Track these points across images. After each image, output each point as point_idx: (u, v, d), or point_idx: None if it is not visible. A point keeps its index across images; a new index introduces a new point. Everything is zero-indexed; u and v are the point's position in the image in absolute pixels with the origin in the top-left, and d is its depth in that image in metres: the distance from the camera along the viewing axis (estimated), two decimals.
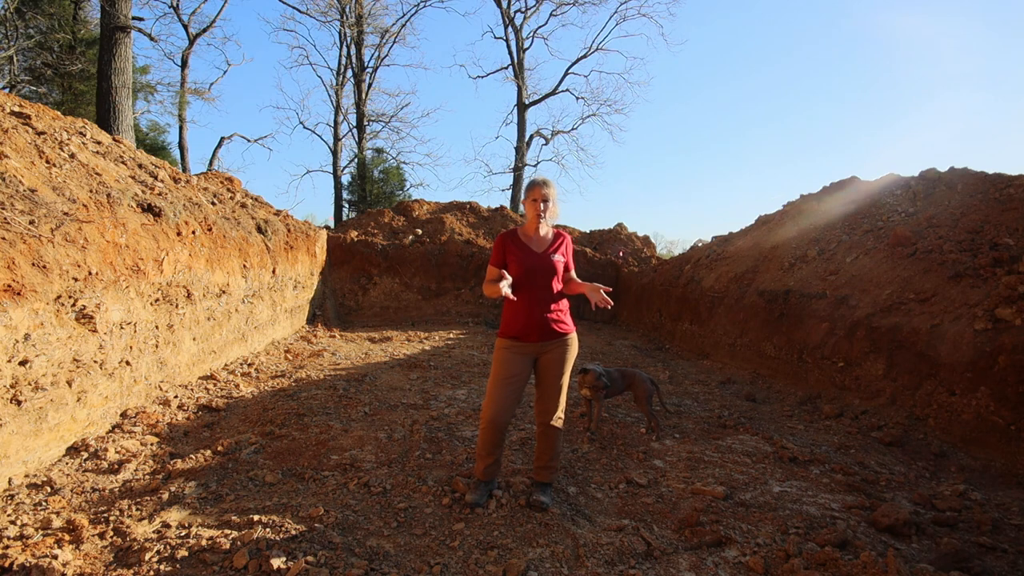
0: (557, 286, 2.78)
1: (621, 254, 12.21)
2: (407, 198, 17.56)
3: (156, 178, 5.13)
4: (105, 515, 2.48)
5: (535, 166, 21.53)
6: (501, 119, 35.08)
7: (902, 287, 4.93)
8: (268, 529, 2.37)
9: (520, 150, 20.44)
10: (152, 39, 14.99)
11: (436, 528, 2.55)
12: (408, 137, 28.49)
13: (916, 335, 4.38)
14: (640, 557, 2.38)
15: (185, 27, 16.95)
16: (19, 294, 2.73)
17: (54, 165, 3.71)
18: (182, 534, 2.32)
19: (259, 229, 6.69)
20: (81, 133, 4.69)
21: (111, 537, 2.29)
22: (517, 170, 20.47)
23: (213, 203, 6.03)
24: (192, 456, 3.19)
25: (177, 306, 4.44)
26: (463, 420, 4.19)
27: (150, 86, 16.36)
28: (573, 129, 21.68)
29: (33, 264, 2.90)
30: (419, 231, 11.57)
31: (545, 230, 2.84)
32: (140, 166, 5.16)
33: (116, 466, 3.00)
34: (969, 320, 4.07)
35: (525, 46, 20.52)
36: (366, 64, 19.94)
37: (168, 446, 3.37)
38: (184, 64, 17.06)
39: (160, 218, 4.37)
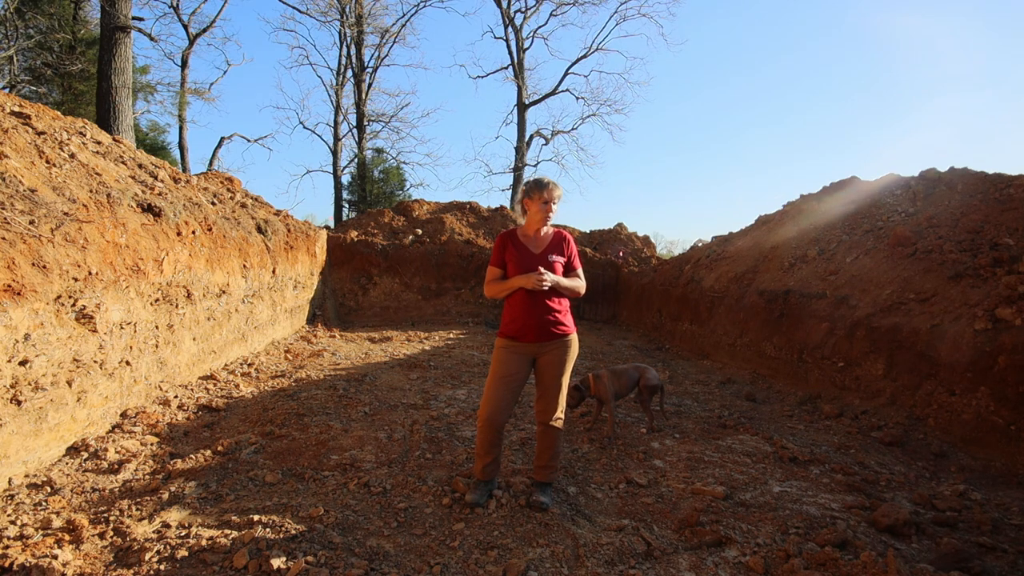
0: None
1: (621, 254, 12.21)
2: (407, 198, 17.57)
3: (156, 178, 5.13)
4: (105, 515, 2.48)
5: (535, 166, 21.56)
6: (501, 119, 35.12)
7: (902, 287, 4.93)
8: (268, 529, 2.37)
9: (520, 150, 20.45)
10: (152, 39, 15.01)
11: (436, 528, 2.55)
12: (408, 137, 28.53)
13: (916, 335, 4.38)
14: (640, 557, 2.38)
15: (185, 27, 16.96)
16: (19, 294, 2.73)
17: (54, 165, 3.71)
18: (182, 534, 2.32)
19: (259, 229, 6.69)
20: (81, 133, 4.69)
21: (111, 537, 2.29)
22: (517, 170, 20.48)
23: (213, 203, 6.04)
24: (192, 456, 3.19)
25: (177, 306, 4.44)
26: (463, 420, 4.19)
27: (150, 86, 16.37)
28: (573, 129, 21.73)
29: (33, 264, 2.90)
30: (419, 231, 11.57)
31: (545, 230, 2.83)
32: (140, 166, 5.16)
33: (116, 466, 3.00)
34: (969, 320, 4.07)
35: (525, 46, 20.54)
36: (366, 64, 19.95)
37: (168, 446, 3.37)
38: (184, 64, 17.07)
39: (160, 218, 4.37)
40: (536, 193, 2.71)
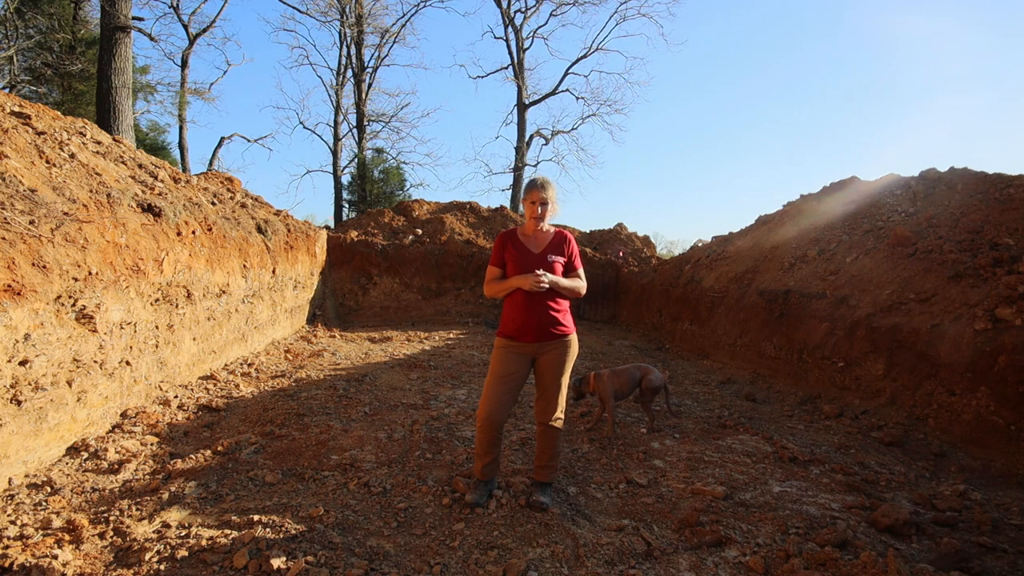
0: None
1: (621, 254, 12.21)
2: (407, 198, 17.56)
3: (156, 178, 5.13)
4: (105, 515, 2.48)
5: (535, 166, 21.56)
6: (501, 119, 35.16)
7: (902, 287, 4.93)
8: (268, 529, 2.37)
9: (520, 150, 20.44)
10: (152, 39, 15.03)
11: (436, 528, 2.55)
12: (408, 137, 28.54)
13: (916, 335, 4.38)
14: (640, 557, 2.38)
15: (185, 27, 16.95)
16: (19, 294, 2.73)
17: (54, 165, 3.71)
18: (182, 534, 2.32)
19: (259, 229, 6.69)
20: (81, 133, 4.69)
21: (111, 537, 2.29)
22: (517, 170, 20.47)
23: (213, 203, 6.04)
24: (192, 456, 3.19)
25: (177, 306, 4.44)
26: (463, 420, 4.19)
27: (150, 86, 16.36)
28: (573, 129, 21.71)
29: (33, 264, 2.90)
30: (419, 231, 11.57)
31: (545, 229, 2.83)
32: (140, 166, 5.16)
33: (116, 466, 3.00)
34: (969, 320, 4.07)
35: (525, 46, 20.53)
36: (366, 64, 19.94)
37: (168, 446, 3.37)
38: (184, 64, 17.06)
39: (160, 218, 4.37)
40: (526, 193, 2.75)
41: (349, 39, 19.48)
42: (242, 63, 31.40)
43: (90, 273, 3.31)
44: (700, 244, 10.82)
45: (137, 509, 2.56)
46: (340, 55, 19.97)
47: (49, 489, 2.70)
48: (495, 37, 21.69)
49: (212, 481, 2.91)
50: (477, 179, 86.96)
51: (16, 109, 4.07)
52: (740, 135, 73.03)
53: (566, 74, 21.05)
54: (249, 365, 5.60)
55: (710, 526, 2.60)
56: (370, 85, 20.17)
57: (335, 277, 10.28)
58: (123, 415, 3.64)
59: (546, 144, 21.59)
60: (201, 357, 4.93)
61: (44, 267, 2.95)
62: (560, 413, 2.81)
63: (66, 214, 3.32)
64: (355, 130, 20.08)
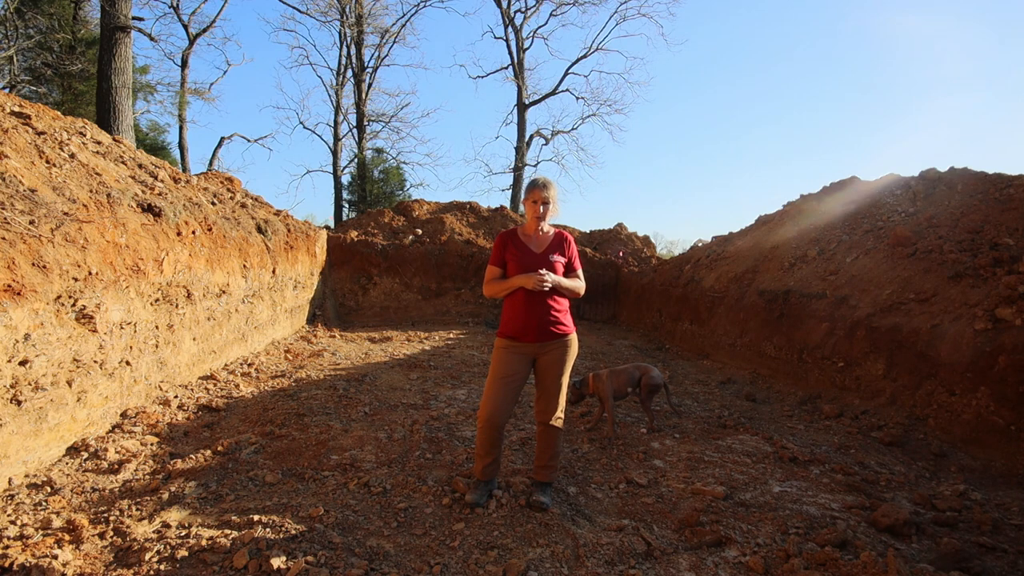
0: None
1: (621, 254, 12.21)
2: (407, 198, 17.56)
3: (156, 178, 5.13)
4: (105, 515, 2.48)
5: (535, 166, 21.55)
6: (501, 119, 35.10)
7: (902, 287, 4.93)
8: (268, 529, 2.37)
9: (520, 150, 20.43)
10: (152, 39, 15.03)
11: (436, 528, 2.55)
12: (408, 137, 28.47)
13: (916, 335, 4.38)
14: (640, 557, 2.38)
15: (185, 27, 16.95)
16: (19, 294, 2.73)
17: (54, 165, 3.71)
18: (182, 534, 2.32)
19: (259, 229, 6.69)
20: (81, 133, 4.69)
21: (111, 537, 2.29)
22: (517, 170, 20.46)
23: (213, 203, 6.03)
24: (192, 456, 3.19)
25: (177, 306, 4.44)
26: (463, 420, 4.19)
27: (150, 86, 16.36)
28: (573, 129, 21.68)
29: (33, 264, 2.90)
30: (419, 231, 11.57)
31: (546, 229, 2.84)
32: (140, 166, 5.16)
33: (116, 466, 3.00)
34: (969, 320, 4.07)
35: (525, 46, 20.52)
36: (366, 64, 19.93)
37: (168, 446, 3.37)
38: (184, 64, 17.06)
39: (160, 218, 4.37)
40: (528, 193, 2.76)
41: (349, 39, 19.48)
42: (242, 63, 31.31)
43: (90, 273, 3.31)
44: (700, 244, 10.82)
45: (137, 509, 2.56)
46: (340, 55, 19.98)
47: (49, 489, 2.70)
48: (495, 37, 21.67)
49: (212, 481, 2.91)
50: (477, 179, 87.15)
51: (16, 109, 4.07)
52: (740, 135, 73.12)
53: (566, 74, 21.05)
54: (249, 365, 5.60)
55: (710, 526, 2.60)
56: (370, 85, 20.16)
57: (335, 277, 10.28)
58: (123, 415, 3.64)
59: (546, 144, 21.59)
60: (201, 357, 4.93)
61: (44, 267, 2.95)
62: (560, 413, 2.82)
63: (66, 214, 3.32)
64: (355, 130, 20.08)
